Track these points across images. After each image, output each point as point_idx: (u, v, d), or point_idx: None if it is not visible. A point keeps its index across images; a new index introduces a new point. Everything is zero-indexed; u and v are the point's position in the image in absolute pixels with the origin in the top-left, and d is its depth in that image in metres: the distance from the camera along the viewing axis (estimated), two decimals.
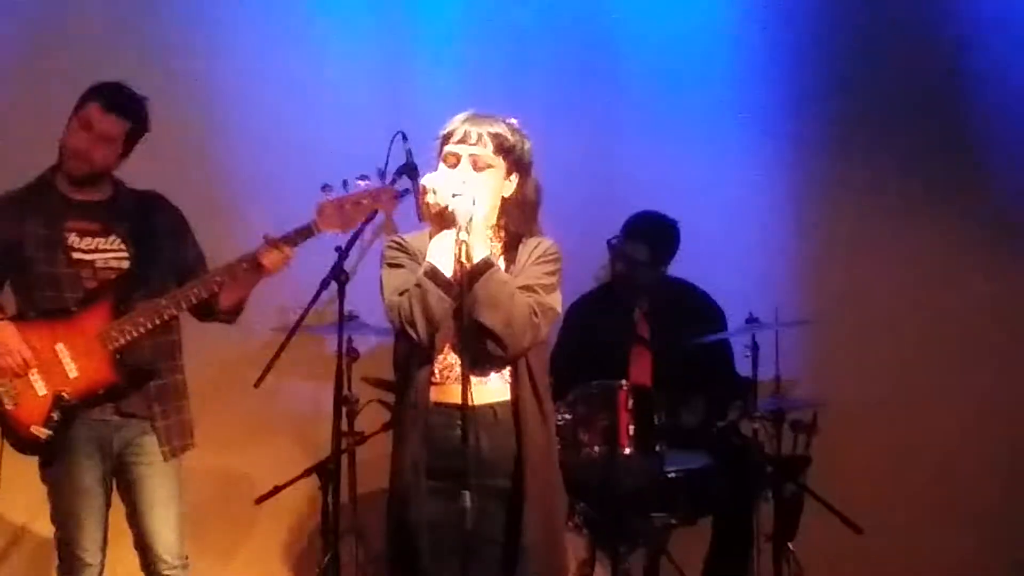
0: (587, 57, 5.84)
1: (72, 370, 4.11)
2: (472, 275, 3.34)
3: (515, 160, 3.49)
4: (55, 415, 4.08)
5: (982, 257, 5.91)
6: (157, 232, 4.28)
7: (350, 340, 5.06)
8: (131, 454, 4.19)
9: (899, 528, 5.60)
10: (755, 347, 5.09)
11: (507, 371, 3.44)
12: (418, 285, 3.37)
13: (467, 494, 3.25)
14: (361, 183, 4.02)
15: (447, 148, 3.48)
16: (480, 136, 3.45)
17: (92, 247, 4.21)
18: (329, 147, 5.49)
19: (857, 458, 5.66)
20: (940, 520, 5.77)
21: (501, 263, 3.46)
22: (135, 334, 4.10)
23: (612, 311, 5.40)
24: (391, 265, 3.51)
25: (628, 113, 5.84)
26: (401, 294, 3.40)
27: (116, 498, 4.24)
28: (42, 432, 4.07)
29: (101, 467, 4.16)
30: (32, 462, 4.16)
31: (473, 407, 3.32)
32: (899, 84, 5.93)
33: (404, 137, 4.37)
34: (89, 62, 5.09)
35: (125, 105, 4.21)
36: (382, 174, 3.98)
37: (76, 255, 4.18)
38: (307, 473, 5.00)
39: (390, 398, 4.92)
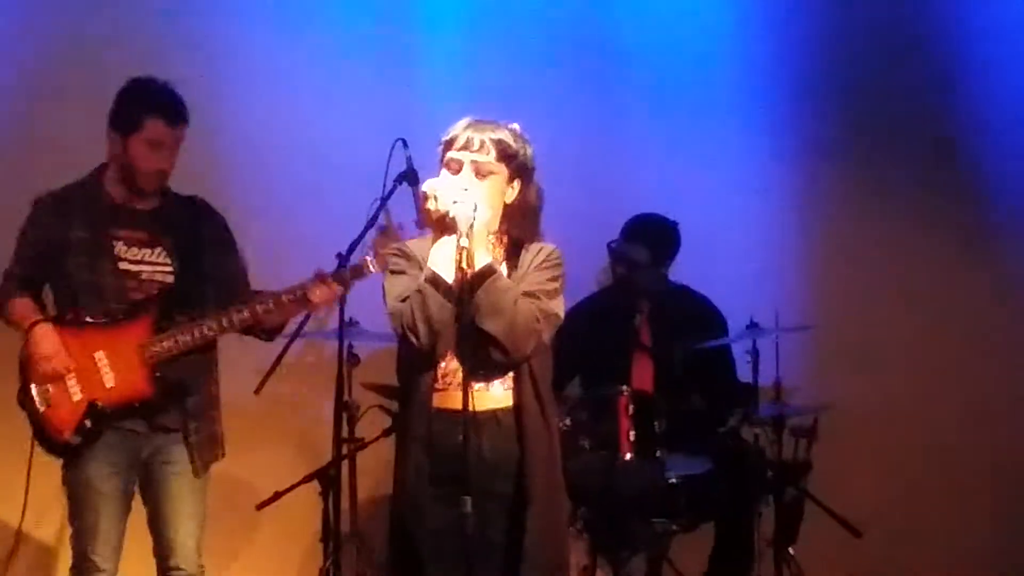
0: (588, 61, 5.85)
1: (109, 379, 4.08)
2: (474, 281, 3.33)
3: (517, 166, 3.47)
4: (88, 422, 4.05)
5: (983, 262, 5.91)
6: (203, 244, 4.23)
7: (351, 346, 5.04)
8: (160, 461, 4.15)
9: (899, 533, 5.61)
10: (756, 352, 5.10)
11: (510, 377, 3.43)
12: (419, 291, 3.36)
13: (468, 500, 3.25)
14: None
15: (449, 154, 3.46)
16: (483, 143, 3.44)
17: (139, 258, 4.15)
18: (329, 148, 5.50)
19: (857, 463, 5.66)
20: (940, 525, 5.77)
21: (503, 269, 3.45)
22: (175, 352, 4.08)
23: (613, 316, 5.40)
24: (393, 272, 3.50)
25: (630, 117, 5.85)
26: (403, 301, 3.39)
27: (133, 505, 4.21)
28: (74, 439, 4.05)
29: (126, 475, 4.13)
30: (35, 467, 4.17)
31: (475, 413, 3.31)
32: (901, 87, 5.94)
33: (404, 144, 4.38)
34: (91, 63, 5.11)
35: (180, 111, 4.16)
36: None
37: (123, 265, 4.13)
38: (308, 479, 4.99)
39: (390, 404, 4.94)
